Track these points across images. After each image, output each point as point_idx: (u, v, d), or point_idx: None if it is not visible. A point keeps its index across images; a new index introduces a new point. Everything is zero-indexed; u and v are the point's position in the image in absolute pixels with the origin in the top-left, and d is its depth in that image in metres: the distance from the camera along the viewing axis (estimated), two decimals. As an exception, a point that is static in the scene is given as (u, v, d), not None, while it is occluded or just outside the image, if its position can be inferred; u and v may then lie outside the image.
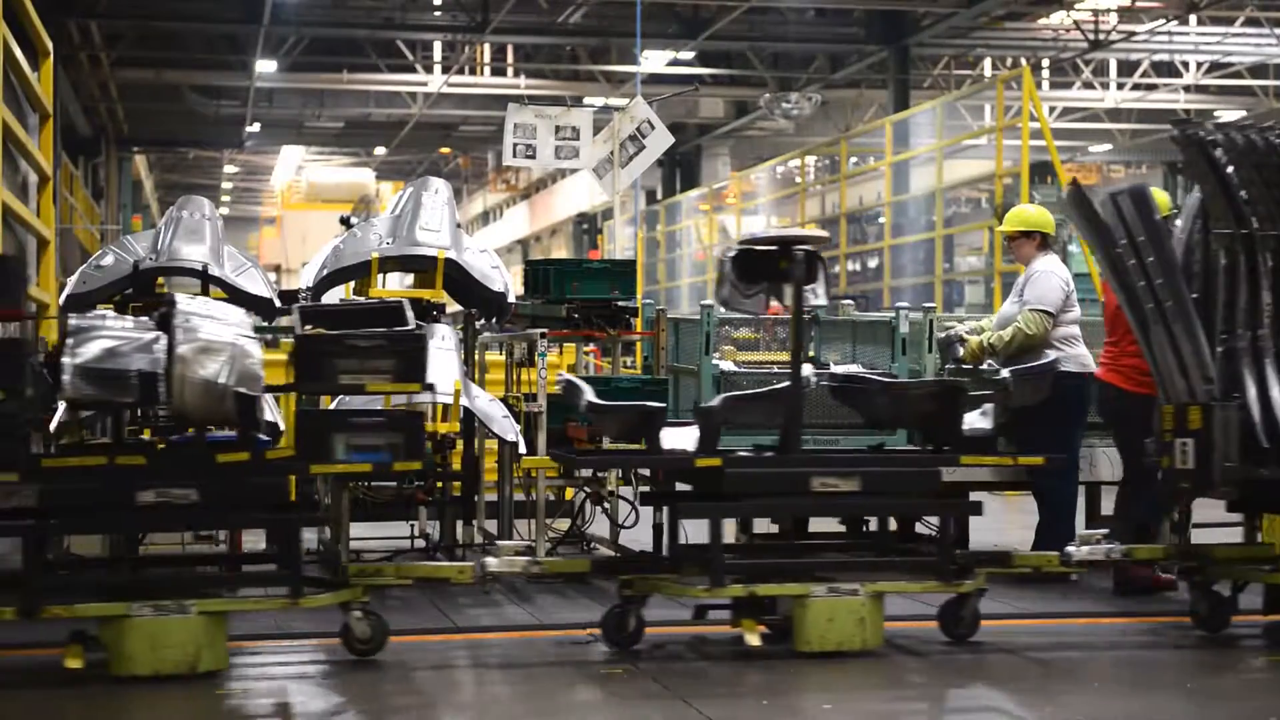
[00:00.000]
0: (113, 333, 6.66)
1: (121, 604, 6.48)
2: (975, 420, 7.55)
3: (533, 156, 12.16)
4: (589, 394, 7.47)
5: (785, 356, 11.07)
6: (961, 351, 8.76)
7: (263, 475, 6.73)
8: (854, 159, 28.54)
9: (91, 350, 6.56)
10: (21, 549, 6.53)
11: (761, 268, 7.36)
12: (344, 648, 6.82)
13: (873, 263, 28.46)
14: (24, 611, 6.43)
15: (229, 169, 50.42)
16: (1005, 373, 7.84)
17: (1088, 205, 7.53)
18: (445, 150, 43.74)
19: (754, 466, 7.18)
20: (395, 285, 9.80)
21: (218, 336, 6.67)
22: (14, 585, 6.57)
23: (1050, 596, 8.48)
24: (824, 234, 8.01)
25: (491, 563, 7.27)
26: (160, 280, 9.36)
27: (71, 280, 8.85)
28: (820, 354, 10.38)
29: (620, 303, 9.21)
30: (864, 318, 10.79)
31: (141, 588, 6.68)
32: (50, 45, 11.19)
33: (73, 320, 6.70)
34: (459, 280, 8.71)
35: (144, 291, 8.84)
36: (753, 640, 6.84)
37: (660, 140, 12.40)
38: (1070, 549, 7.65)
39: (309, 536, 10.52)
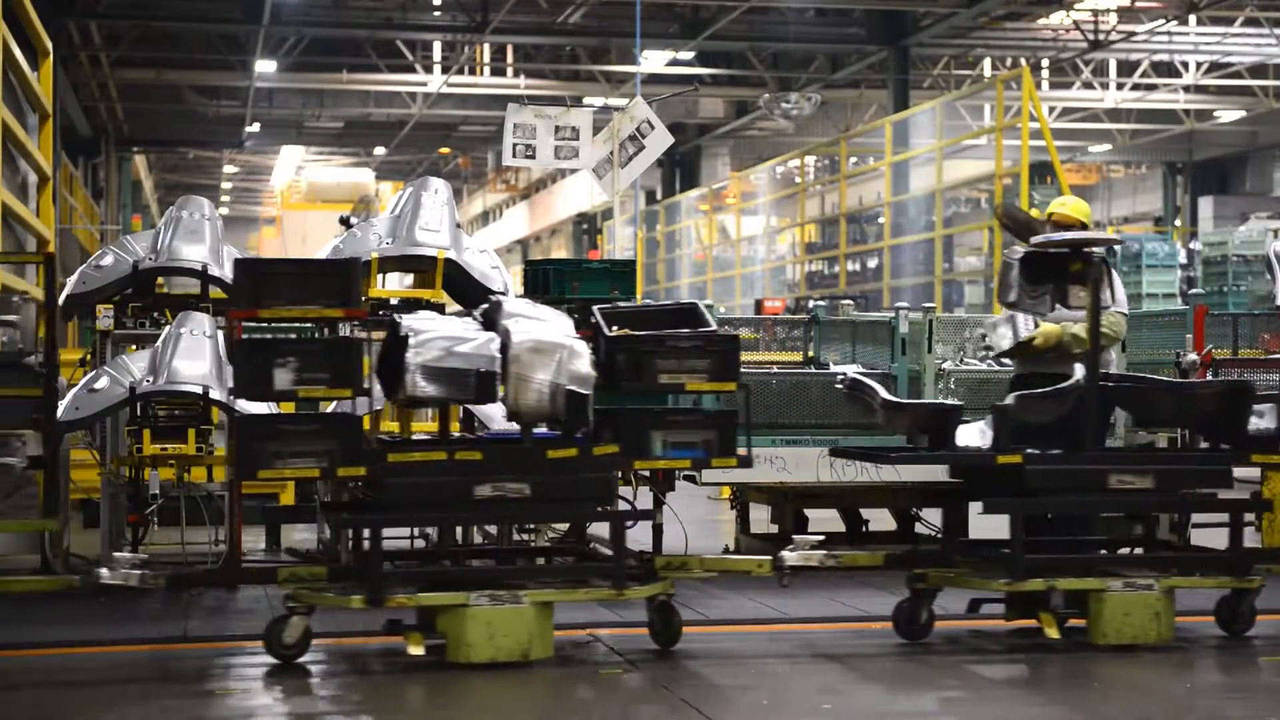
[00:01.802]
0: (449, 333, 6.84)
1: (462, 594, 6.66)
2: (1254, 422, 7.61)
3: (532, 156, 12.15)
4: (883, 392, 7.56)
5: (785, 356, 11.10)
6: (1029, 335, 8.38)
7: (590, 471, 6.91)
8: (854, 159, 28.55)
9: (433, 350, 6.74)
10: (370, 541, 6.79)
11: (1051, 270, 7.47)
12: (651, 638, 7.04)
13: (872, 263, 28.47)
14: (372, 601, 6.63)
15: (229, 169, 50.41)
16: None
17: None
18: (445, 150, 43.74)
19: (1054, 463, 7.32)
20: (395, 285, 9.79)
21: (549, 337, 6.84)
22: (353, 575, 6.88)
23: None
24: (1116, 237, 8.06)
25: (788, 556, 7.32)
26: (160, 280, 9.36)
27: (71, 280, 8.85)
28: (820, 354, 10.39)
29: (620, 303, 9.20)
30: (864, 318, 10.79)
31: (473, 579, 6.89)
32: (50, 45, 11.20)
33: (406, 321, 6.88)
34: (459, 280, 8.71)
35: (144, 292, 8.84)
36: (1052, 633, 7.03)
37: (660, 140, 12.39)
38: None
39: (308, 536, 10.54)
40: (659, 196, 36.61)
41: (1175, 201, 40.46)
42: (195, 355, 8.15)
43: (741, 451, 7.14)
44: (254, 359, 6.74)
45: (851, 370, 8.71)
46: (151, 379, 8.09)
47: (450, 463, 6.81)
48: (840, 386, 7.81)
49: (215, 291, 8.71)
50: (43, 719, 6.10)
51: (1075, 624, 7.21)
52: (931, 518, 9.53)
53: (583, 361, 6.81)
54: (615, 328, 7.19)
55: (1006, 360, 8.98)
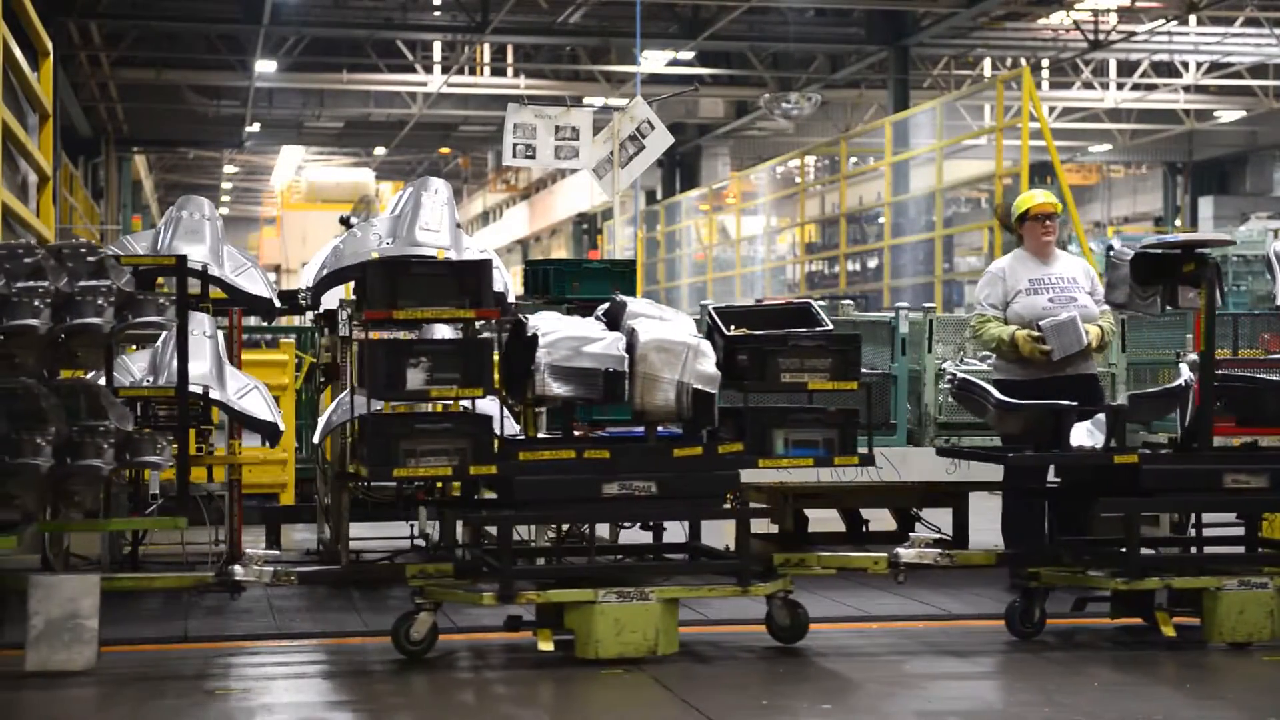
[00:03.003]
0: (576, 333, 6.93)
1: (590, 590, 6.73)
2: None
3: (532, 156, 12.14)
4: (995, 393, 7.59)
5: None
6: (1089, 339, 8.25)
7: (715, 469, 6.99)
8: (854, 159, 28.54)
9: (561, 350, 6.84)
10: (500, 538, 6.92)
11: (1162, 270, 7.50)
12: (768, 633, 7.15)
13: (873, 263, 28.47)
14: (503, 597, 6.77)
15: (229, 169, 50.40)
16: None
17: None
18: (445, 150, 43.73)
19: (1169, 463, 7.37)
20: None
21: (674, 336, 6.92)
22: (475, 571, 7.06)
23: None
24: (1227, 238, 8.10)
25: (904, 553, 7.38)
26: (160, 280, 9.36)
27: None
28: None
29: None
30: (864, 318, 10.78)
31: (599, 575, 6.97)
32: (50, 45, 11.19)
33: (534, 320, 6.97)
34: (459, 280, 8.71)
35: (144, 291, 8.84)
36: (1168, 631, 7.13)
37: (660, 140, 12.38)
38: None
39: (308, 536, 10.55)
40: (659, 196, 36.59)
41: (1175, 201, 40.45)
42: (195, 355, 8.14)
43: (863, 450, 7.18)
44: (389, 359, 6.79)
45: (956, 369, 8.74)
46: (151, 379, 8.09)
47: (579, 461, 6.89)
48: (949, 386, 7.82)
49: (215, 291, 8.71)
50: (43, 719, 6.11)
51: (1179, 621, 7.25)
52: (932, 517, 9.56)
53: (708, 361, 6.91)
54: (732, 327, 7.24)
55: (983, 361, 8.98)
